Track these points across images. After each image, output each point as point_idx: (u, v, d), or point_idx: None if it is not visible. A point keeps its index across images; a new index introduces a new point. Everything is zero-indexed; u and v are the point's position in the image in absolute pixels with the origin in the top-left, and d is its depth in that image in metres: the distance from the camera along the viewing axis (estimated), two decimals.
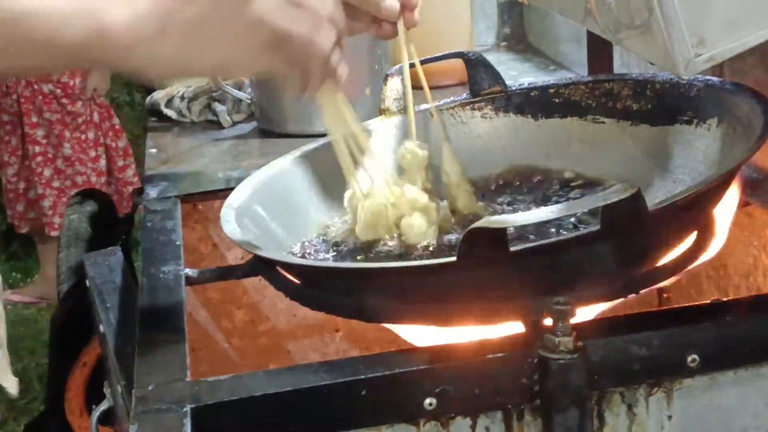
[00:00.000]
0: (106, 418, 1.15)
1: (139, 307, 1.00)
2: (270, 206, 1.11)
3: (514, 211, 1.15)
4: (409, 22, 1.10)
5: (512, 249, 0.83)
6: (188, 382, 0.84)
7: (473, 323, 0.89)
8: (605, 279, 0.90)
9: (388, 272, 0.93)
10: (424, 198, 1.08)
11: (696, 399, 0.89)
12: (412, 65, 1.16)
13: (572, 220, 1.01)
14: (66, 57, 0.82)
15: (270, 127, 1.75)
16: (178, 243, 1.15)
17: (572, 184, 1.19)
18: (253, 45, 0.87)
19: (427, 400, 0.83)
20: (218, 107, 1.84)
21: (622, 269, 0.91)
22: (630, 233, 0.87)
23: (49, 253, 3.75)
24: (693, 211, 0.94)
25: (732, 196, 1.01)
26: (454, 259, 0.84)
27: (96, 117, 3.68)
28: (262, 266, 1.04)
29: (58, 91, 3.58)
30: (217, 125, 1.83)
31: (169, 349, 0.90)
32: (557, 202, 1.14)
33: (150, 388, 0.83)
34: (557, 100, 1.24)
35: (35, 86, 3.58)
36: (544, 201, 1.17)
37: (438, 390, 0.83)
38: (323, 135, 1.25)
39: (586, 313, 0.90)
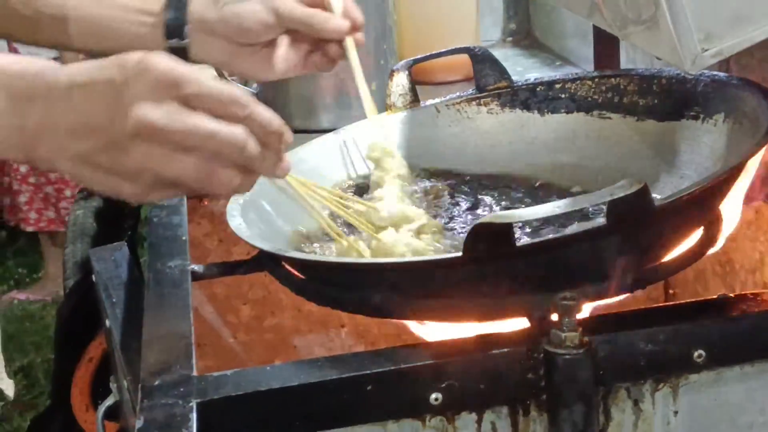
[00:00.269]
0: (112, 413, 1.15)
1: (145, 303, 1.00)
2: (276, 202, 1.11)
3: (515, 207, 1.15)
4: (359, 42, 1.11)
5: (518, 244, 0.83)
6: (194, 376, 0.84)
7: (479, 319, 0.89)
8: (611, 274, 0.89)
9: (394, 267, 0.93)
10: (424, 218, 1.09)
11: (702, 394, 0.88)
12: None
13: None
14: None
15: None
16: (184, 238, 1.15)
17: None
18: (144, 186, 0.80)
19: (433, 395, 0.83)
20: None
21: (628, 264, 0.90)
22: (636, 228, 0.87)
23: (53, 251, 3.79)
24: (699, 206, 0.94)
25: (738, 191, 1.01)
26: (459, 254, 0.84)
27: None
28: (267, 261, 1.04)
29: None
30: None
31: (175, 344, 0.90)
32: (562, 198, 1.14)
33: (156, 383, 0.83)
34: (563, 96, 1.24)
35: None
36: (549, 196, 1.16)
37: (444, 385, 0.83)
38: (329, 130, 1.25)
39: (591, 309, 0.90)
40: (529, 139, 1.24)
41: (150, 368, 0.86)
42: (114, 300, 1.11)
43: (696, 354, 0.86)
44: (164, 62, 0.77)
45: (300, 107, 1.70)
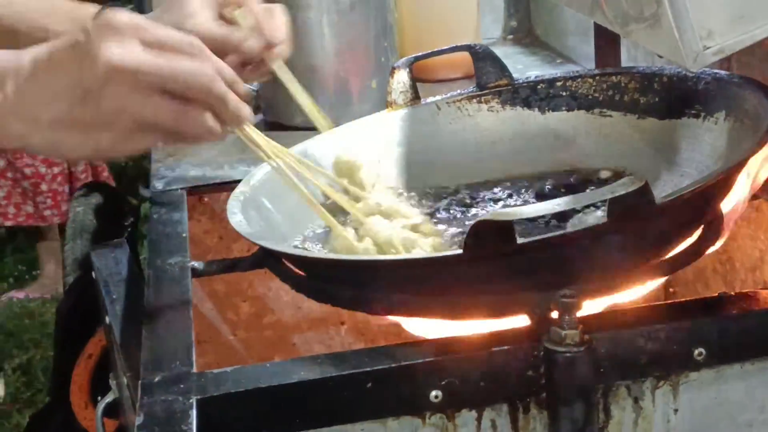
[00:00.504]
0: (112, 410, 1.15)
1: (145, 299, 1.00)
2: (276, 198, 1.11)
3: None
4: (282, 54, 1.11)
5: (519, 242, 0.82)
6: (194, 373, 0.84)
7: (479, 316, 0.89)
8: (612, 272, 0.89)
9: (394, 265, 0.93)
10: (419, 218, 1.08)
11: (702, 392, 0.88)
12: None
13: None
14: None
15: (277, 119, 1.75)
16: (184, 235, 1.15)
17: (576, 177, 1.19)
18: (122, 132, 0.82)
19: (433, 393, 0.83)
20: None
21: (629, 262, 0.90)
22: (637, 226, 0.87)
23: (45, 245, 3.79)
24: (700, 204, 0.94)
25: (739, 189, 1.01)
26: (460, 251, 0.84)
27: None
28: (267, 258, 1.04)
29: None
30: None
31: (174, 341, 0.90)
32: (563, 195, 1.14)
33: (156, 379, 0.83)
34: (564, 93, 1.24)
35: None
36: (550, 194, 1.16)
37: (444, 383, 0.83)
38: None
39: (592, 306, 0.90)
40: (530, 136, 1.24)
41: (150, 365, 0.86)
42: (114, 297, 1.11)
43: (696, 352, 0.86)
44: (123, 14, 0.81)
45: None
